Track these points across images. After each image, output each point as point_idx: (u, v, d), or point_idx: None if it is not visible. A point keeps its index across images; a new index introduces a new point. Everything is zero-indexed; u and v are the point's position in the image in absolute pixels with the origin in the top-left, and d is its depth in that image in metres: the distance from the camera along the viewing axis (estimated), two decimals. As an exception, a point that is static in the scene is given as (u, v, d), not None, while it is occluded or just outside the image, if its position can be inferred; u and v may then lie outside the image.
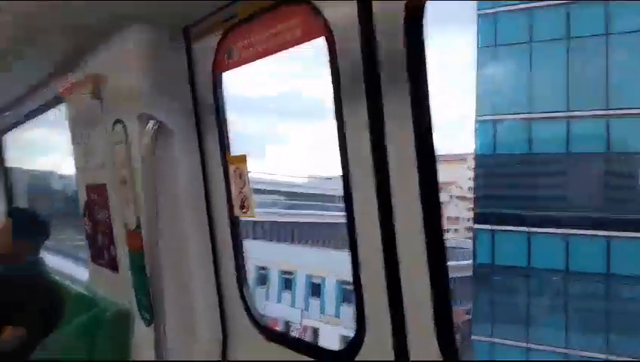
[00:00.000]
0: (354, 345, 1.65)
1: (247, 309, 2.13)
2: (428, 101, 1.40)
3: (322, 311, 23.63)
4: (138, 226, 2.27)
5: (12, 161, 5.37)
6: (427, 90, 1.40)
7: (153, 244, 2.17)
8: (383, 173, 1.47)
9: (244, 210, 2.01)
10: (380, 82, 1.44)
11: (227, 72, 1.98)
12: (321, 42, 1.55)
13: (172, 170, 2.17)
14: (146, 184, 2.09)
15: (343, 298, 22.70)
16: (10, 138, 5.18)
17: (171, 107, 2.12)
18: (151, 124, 2.05)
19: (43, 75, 3.04)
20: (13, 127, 4.77)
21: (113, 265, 2.64)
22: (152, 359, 2.20)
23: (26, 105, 3.81)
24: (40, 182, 5.95)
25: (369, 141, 1.48)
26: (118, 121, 2.24)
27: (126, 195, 2.31)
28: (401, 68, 1.39)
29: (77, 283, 3.20)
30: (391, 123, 1.45)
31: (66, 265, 3.69)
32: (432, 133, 1.41)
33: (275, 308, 23.65)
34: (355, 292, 1.63)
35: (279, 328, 22.50)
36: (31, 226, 3.11)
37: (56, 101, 3.15)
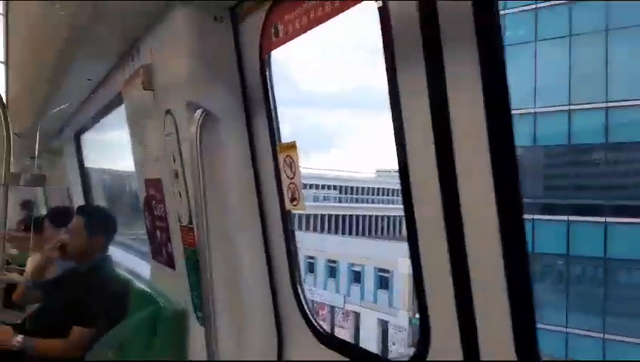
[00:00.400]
0: (419, 356, 1.42)
1: (302, 310, 1.96)
2: (503, 70, 1.15)
3: (362, 297, 24.81)
4: (191, 221, 2.19)
5: (89, 160, 5.62)
6: (502, 56, 1.16)
7: (204, 240, 2.07)
8: (448, 159, 1.23)
9: (294, 203, 1.85)
10: (441, 47, 1.20)
11: (276, 51, 1.82)
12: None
13: (221, 160, 2.05)
14: (195, 176, 1.98)
15: (380, 285, 24.07)
16: (87, 138, 5.41)
17: (219, 94, 1.99)
18: (198, 112, 1.94)
19: (105, 72, 3.07)
20: (88, 128, 4.96)
21: (170, 262, 2.58)
22: (206, 358, 2.11)
23: (94, 105, 3.91)
24: (113, 179, 6.17)
25: (430, 121, 1.25)
26: (168, 112, 2.15)
27: (178, 189, 2.24)
28: (466, 29, 1.15)
29: (140, 279, 3.20)
30: (456, 97, 1.21)
31: (132, 260, 3.74)
32: (508, 109, 1.16)
33: (322, 293, 24.73)
34: (416, 292, 1.41)
35: (326, 311, 23.54)
36: (101, 224, 3.16)
37: (120, 98, 3.18)
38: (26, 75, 3.51)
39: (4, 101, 4.19)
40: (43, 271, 3.51)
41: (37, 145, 5.07)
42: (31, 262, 4.07)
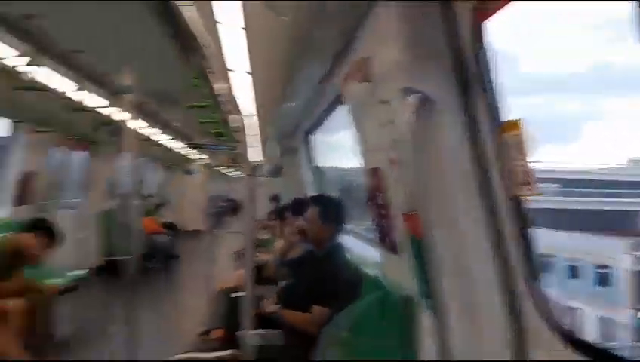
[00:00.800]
0: None
1: (539, 306, 1.76)
2: None
3: (580, 292, 22.72)
4: (411, 209, 2.18)
5: (319, 158, 6.16)
6: None
7: (427, 227, 2.04)
8: None
9: (526, 188, 1.65)
10: None
11: (492, 32, 1.68)
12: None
13: (440, 145, 1.97)
14: (414, 163, 1.97)
15: (599, 281, 22.20)
16: (315, 138, 5.94)
17: (433, 77, 1.92)
18: (413, 98, 1.91)
19: (326, 72, 3.29)
20: (316, 128, 5.42)
21: (394, 249, 2.63)
22: (435, 348, 2.09)
23: (319, 105, 4.25)
24: (342, 175, 6.63)
25: None
26: (384, 101, 2.18)
27: (397, 177, 2.25)
28: None
29: (368, 265, 3.35)
30: None
31: (361, 247, 3.94)
32: None
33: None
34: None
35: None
36: (333, 212, 3.42)
37: (339, 98, 3.37)
38: (267, 84, 3.99)
39: (255, 109, 4.91)
40: (287, 253, 4.02)
41: (279, 147, 5.80)
42: (278, 245, 4.73)
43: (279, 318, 3.13)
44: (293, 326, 3.07)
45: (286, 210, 5.12)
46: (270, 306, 3.24)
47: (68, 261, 5.34)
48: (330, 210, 3.43)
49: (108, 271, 6.87)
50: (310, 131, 5.69)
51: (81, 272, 5.51)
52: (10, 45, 3.61)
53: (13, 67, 3.79)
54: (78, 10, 3.26)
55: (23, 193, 5.42)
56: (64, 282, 4.91)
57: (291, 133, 6.15)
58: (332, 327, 2.73)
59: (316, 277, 3.17)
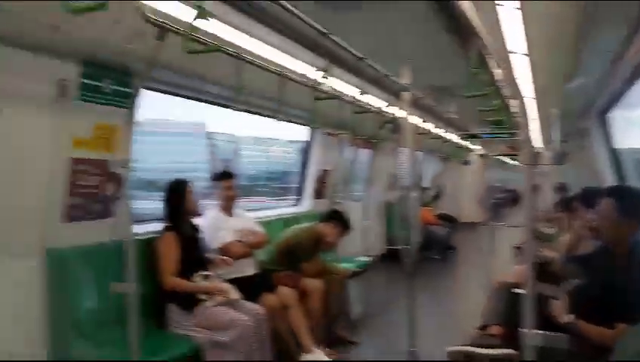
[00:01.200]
0: None
1: None
2: None
3: None
4: None
5: (617, 139, 5.33)
6: None
7: None
8: None
9: None
10: None
11: None
12: None
13: None
14: None
15: None
16: (613, 116, 5.15)
17: None
18: None
19: (622, 42, 2.83)
20: (613, 105, 4.71)
21: None
22: None
23: (616, 79, 3.68)
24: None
25: None
26: None
27: None
28: None
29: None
30: None
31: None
32: None
33: None
34: None
35: None
36: (635, 207, 2.95)
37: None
38: (548, 64, 3.68)
39: (534, 92, 4.59)
40: (575, 248, 3.61)
41: (559, 129, 5.23)
42: (564, 240, 4.31)
43: (573, 329, 2.83)
44: (589, 338, 2.74)
45: (574, 201, 4.63)
46: (564, 316, 2.94)
47: (356, 248, 5.98)
48: (631, 204, 2.93)
49: (390, 258, 7.43)
50: (605, 109, 4.98)
51: (367, 258, 6.08)
52: (311, 63, 4.24)
53: (314, 80, 4.43)
54: (361, 22, 3.63)
55: (321, 188, 6.32)
56: (353, 267, 5.48)
57: (580, 114, 5.50)
58: (632, 337, 2.33)
59: (614, 279, 2.76)
